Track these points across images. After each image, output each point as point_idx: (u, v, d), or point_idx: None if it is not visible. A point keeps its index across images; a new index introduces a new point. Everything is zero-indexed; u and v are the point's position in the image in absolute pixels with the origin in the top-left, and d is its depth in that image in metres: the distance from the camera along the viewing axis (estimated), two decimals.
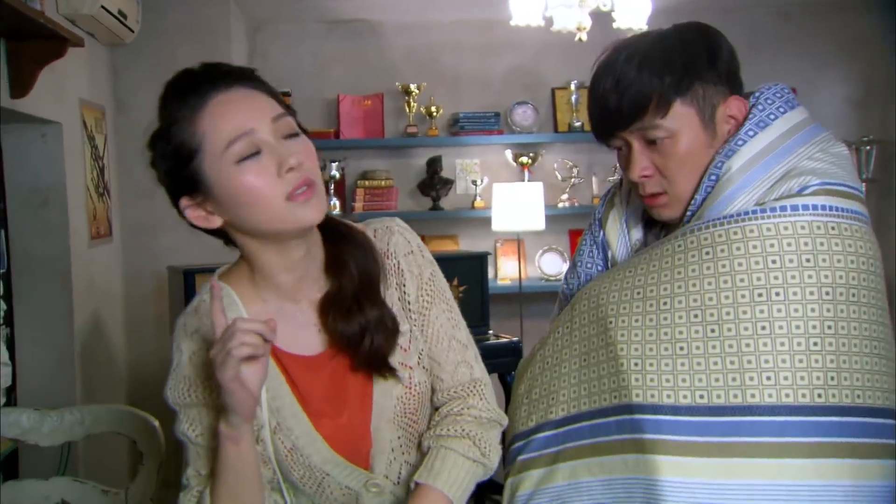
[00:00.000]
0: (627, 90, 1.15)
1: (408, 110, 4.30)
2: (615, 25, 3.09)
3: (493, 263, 4.43)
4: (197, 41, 3.69)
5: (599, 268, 1.35)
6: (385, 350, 1.14)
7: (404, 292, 1.18)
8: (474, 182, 4.41)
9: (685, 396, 1.08)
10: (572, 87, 4.32)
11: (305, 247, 1.12)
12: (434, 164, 4.32)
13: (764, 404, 1.05)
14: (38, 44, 2.50)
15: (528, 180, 4.36)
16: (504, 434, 1.25)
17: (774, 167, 1.14)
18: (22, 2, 2.25)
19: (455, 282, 3.51)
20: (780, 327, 1.06)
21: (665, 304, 1.12)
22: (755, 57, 4.49)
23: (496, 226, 4.06)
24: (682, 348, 1.10)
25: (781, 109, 1.18)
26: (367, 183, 4.33)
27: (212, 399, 1.10)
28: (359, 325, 1.12)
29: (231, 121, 1.02)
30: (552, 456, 1.19)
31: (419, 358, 1.19)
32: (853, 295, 1.08)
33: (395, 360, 1.16)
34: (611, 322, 1.17)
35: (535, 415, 1.23)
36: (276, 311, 1.13)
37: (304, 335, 1.15)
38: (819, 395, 1.05)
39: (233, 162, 1.02)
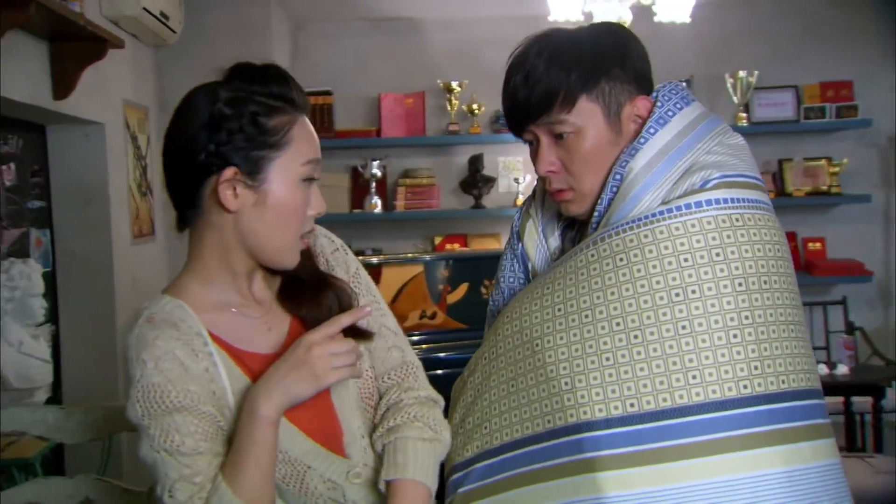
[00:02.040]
0: (537, 84, 1.17)
1: (449, 108, 4.27)
2: (656, 19, 3.02)
3: None
4: (239, 41, 3.72)
5: (521, 281, 1.34)
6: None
7: None
8: (517, 180, 4.36)
9: (616, 407, 1.08)
10: None
11: None
12: (476, 162, 4.28)
13: (693, 403, 1.06)
14: (79, 45, 2.54)
15: None
16: (442, 465, 1.24)
17: (676, 163, 1.15)
18: (62, 4, 2.29)
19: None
20: (700, 324, 1.07)
21: (587, 316, 1.12)
22: (808, 46, 4.36)
23: None
24: (608, 359, 1.09)
25: (678, 106, 1.19)
26: (408, 181, 4.32)
27: (188, 400, 1.07)
28: (328, 305, 1.18)
29: (313, 144, 1.14)
30: (491, 486, 1.17)
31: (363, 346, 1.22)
32: (765, 282, 1.10)
33: None
34: (537, 344, 1.16)
35: (471, 444, 1.22)
36: (227, 315, 1.15)
37: (259, 335, 1.17)
38: (745, 387, 1.06)
39: (300, 177, 1.11)
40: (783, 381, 1.07)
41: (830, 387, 3.18)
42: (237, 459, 1.06)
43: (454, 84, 4.23)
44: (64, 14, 2.28)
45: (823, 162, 4.30)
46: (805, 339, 1.13)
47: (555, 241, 1.32)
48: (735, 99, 4.23)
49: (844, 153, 4.33)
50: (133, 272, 3.20)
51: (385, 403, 1.22)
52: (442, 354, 2.98)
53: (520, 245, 1.34)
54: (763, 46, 4.32)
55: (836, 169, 4.29)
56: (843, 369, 3.40)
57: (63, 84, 2.56)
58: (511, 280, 1.35)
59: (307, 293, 1.19)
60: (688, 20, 2.96)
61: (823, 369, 3.32)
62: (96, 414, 1.50)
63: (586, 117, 1.17)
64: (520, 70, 1.19)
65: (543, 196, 1.32)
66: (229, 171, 1.08)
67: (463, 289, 3.39)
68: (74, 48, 2.53)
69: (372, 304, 1.25)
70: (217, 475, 1.05)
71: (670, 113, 1.18)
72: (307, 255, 1.21)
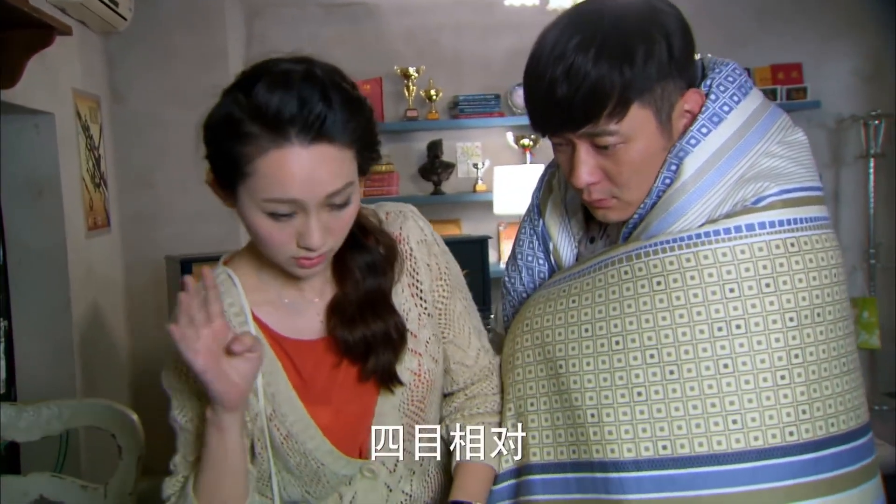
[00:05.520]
0: (582, 84, 0.99)
1: (407, 94, 4.26)
2: None
3: (495, 247, 4.39)
4: (192, 27, 3.66)
5: (541, 261, 1.24)
6: (391, 365, 1.13)
7: (417, 280, 1.18)
8: (475, 165, 4.36)
9: (647, 448, 1.00)
10: None
11: None
12: (435, 148, 4.27)
13: (731, 451, 0.97)
14: (24, 33, 2.46)
15: (530, 162, 4.31)
16: None
17: (730, 170, 1.03)
18: None
19: None
20: (744, 363, 0.98)
21: (618, 343, 1.03)
22: (763, 29, 4.42)
23: (498, 209, 4.02)
24: (639, 394, 1.01)
25: (735, 98, 1.06)
26: None
27: (199, 386, 1.08)
28: (362, 337, 1.12)
29: (286, 185, 0.97)
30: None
31: (427, 345, 1.17)
32: (818, 315, 1.01)
33: (405, 350, 1.16)
34: (560, 366, 1.07)
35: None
36: (276, 298, 1.14)
37: (305, 320, 1.14)
38: (791, 434, 0.98)
39: (263, 210, 1.00)
40: (832, 425, 0.99)
41: None
42: (201, 459, 1.07)
43: (411, 70, 4.21)
44: (6, 0, 2.21)
45: None
46: (856, 368, 1.05)
47: (578, 222, 1.20)
48: None
49: None
50: (88, 265, 3.15)
51: (474, 391, 1.22)
52: None
53: (541, 221, 1.23)
54: (716, 30, 4.36)
55: None
56: None
57: (8, 73, 2.48)
58: (530, 259, 1.24)
59: (347, 311, 1.12)
60: None
61: None
62: (50, 411, 1.47)
63: (637, 126, 1.01)
64: (559, 63, 0.99)
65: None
66: (210, 175, 1.05)
67: None
68: (19, 36, 2.45)
69: (461, 302, 1.22)
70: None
71: (726, 108, 1.04)
72: (373, 271, 1.13)
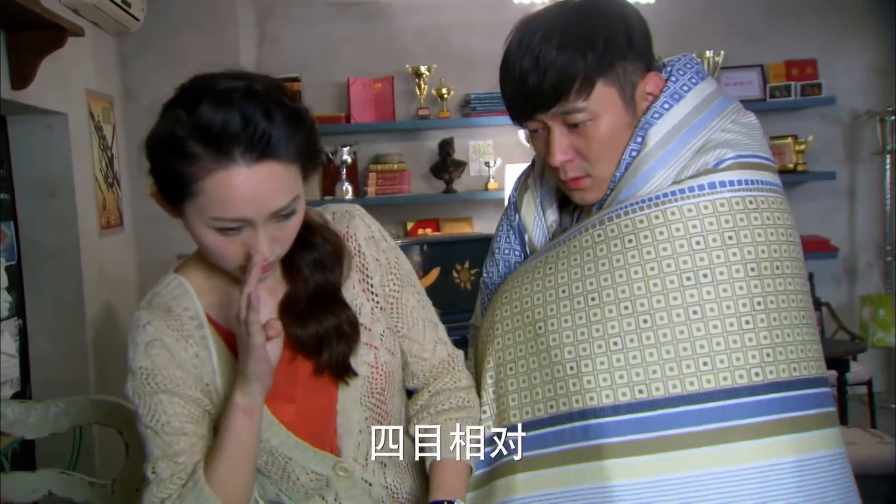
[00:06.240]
0: (549, 70, 1.09)
1: (419, 92, 4.26)
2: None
3: None
4: (204, 28, 3.68)
5: (517, 253, 1.31)
6: (345, 358, 1.14)
7: (367, 275, 1.19)
8: (487, 163, 4.36)
9: (624, 394, 1.05)
10: None
11: None
12: (446, 147, 4.28)
13: (703, 391, 1.03)
14: (37, 34, 2.49)
15: None
16: None
17: (690, 141, 1.12)
18: None
19: (467, 264, 3.48)
20: (712, 310, 1.05)
21: (593, 299, 1.09)
22: (776, 26, 4.40)
23: None
24: (615, 343, 1.07)
25: (693, 80, 1.16)
26: (379, 167, 4.30)
27: (173, 385, 1.09)
28: (315, 332, 1.12)
29: (233, 204, 0.98)
30: (487, 475, 1.15)
31: (382, 338, 1.18)
32: (777, 267, 1.08)
33: (359, 343, 1.16)
34: (540, 327, 1.13)
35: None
36: (228, 300, 1.13)
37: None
38: (756, 374, 1.04)
39: (210, 226, 1.00)
40: (794, 369, 1.05)
41: None
42: (214, 447, 1.07)
43: (423, 68, 4.21)
44: (20, 2, 2.24)
45: (789, 140, 4.35)
46: (814, 325, 1.11)
47: (552, 213, 1.28)
48: None
49: (809, 131, 4.38)
50: (101, 264, 3.17)
51: (436, 388, 1.22)
52: None
53: (517, 216, 1.30)
54: (728, 26, 4.34)
55: (802, 147, 4.34)
56: None
57: (21, 74, 2.51)
58: (507, 252, 1.32)
59: (298, 308, 1.13)
60: (652, 1, 2.96)
61: None
62: (58, 408, 1.49)
63: (604, 103, 1.11)
64: (526, 55, 1.11)
65: (543, 167, 1.28)
66: (153, 188, 1.04)
67: (434, 274, 3.40)
68: (32, 37, 2.48)
69: (413, 296, 1.23)
70: (200, 460, 1.07)
71: (685, 88, 1.15)
72: (322, 268, 1.14)
